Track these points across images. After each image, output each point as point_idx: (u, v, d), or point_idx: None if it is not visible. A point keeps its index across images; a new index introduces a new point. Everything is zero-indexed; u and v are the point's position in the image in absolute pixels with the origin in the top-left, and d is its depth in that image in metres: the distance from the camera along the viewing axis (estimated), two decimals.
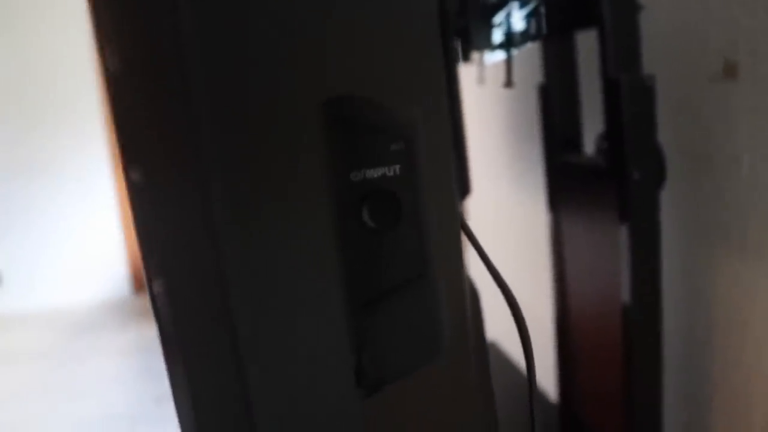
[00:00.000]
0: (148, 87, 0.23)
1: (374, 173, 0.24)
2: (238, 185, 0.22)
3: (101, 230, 3.77)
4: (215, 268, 0.22)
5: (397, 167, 0.24)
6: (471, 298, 0.54)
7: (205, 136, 0.22)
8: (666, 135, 0.82)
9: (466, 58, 0.83)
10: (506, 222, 1.58)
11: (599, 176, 0.86)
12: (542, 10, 0.57)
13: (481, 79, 1.05)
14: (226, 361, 0.23)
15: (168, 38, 0.22)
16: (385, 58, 0.24)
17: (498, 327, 1.45)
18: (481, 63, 0.99)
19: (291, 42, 0.23)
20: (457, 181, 0.61)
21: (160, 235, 0.23)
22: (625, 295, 0.82)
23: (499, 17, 0.62)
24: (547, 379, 1.19)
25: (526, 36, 0.58)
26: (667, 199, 0.87)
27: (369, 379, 0.25)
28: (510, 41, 0.59)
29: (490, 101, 1.52)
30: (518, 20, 0.58)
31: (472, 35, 0.66)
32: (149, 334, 3.17)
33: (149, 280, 0.24)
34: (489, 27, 0.65)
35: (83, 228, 3.75)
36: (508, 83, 0.66)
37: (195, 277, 0.23)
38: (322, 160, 0.23)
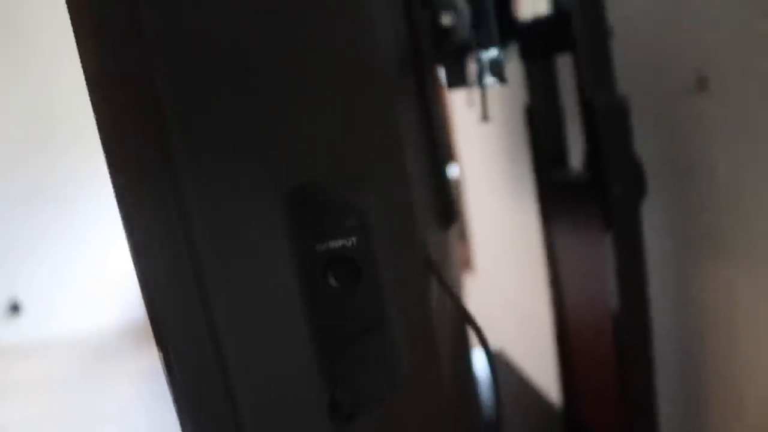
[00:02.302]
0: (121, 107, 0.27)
1: (335, 244, 0.29)
2: (220, 255, 0.28)
3: (117, 256, 3.84)
4: (205, 318, 0.27)
5: (354, 239, 0.29)
6: (456, 323, 0.59)
7: (192, 220, 0.27)
8: (647, 148, 0.86)
9: (450, 85, 0.87)
10: (506, 234, 1.62)
11: (584, 190, 0.90)
12: (502, 60, 0.62)
13: (470, 102, 1.09)
14: (220, 395, 0.28)
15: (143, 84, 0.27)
16: (340, 148, 0.29)
17: (505, 336, 1.49)
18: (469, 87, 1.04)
19: (256, 133, 0.28)
20: (441, 211, 0.66)
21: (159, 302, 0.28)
22: (613, 301, 0.86)
23: (471, 57, 0.66)
24: (550, 385, 1.23)
25: (495, 76, 0.62)
26: (653, 208, 0.91)
27: (341, 411, 0.30)
28: (481, 80, 0.63)
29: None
30: (489, 61, 0.63)
31: (447, 74, 0.71)
32: None
33: (155, 335, 0.29)
34: (463, 66, 0.69)
35: (99, 254, 3.82)
36: (485, 117, 0.70)
37: (189, 330, 0.28)
38: (287, 236, 0.28)
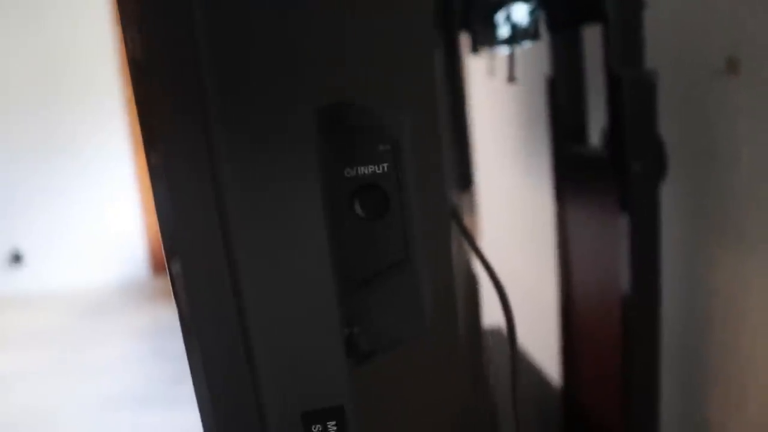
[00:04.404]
0: (166, 76, 0.26)
1: (365, 170, 0.28)
2: (245, 177, 0.26)
3: (121, 211, 3.84)
4: (226, 251, 0.26)
5: (385, 165, 0.28)
6: (469, 283, 0.57)
7: (217, 132, 0.25)
8: (669, 129, 0.84)
9: (476, 50, 0.85)
10: (515, 210, 1.61)
11: (603, 168, 0.88)
12: (539, 14, 0.60)
13: (491, 71, 1.07)
14: (235, 332, 0.27)
15: (184, 42, 0.26)
16: (375, 68, 0.28)
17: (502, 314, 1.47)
18: (491, 55, 1.02)
19: (289, 51, 0.26)
20: (459, 173, 0.64)
21: (177, 221, 0.27)
22: (624, 284, 0.85)
23: (502, 14, 0.64)
24: (551, 364, 1.22)
25: (528, 34, 0.60)
26: (669, 191, 0.89)
27: (359, 350, 0.29)
28: (513, 38, 0.61)
29: (502, 92, 1.54)
30: (522, 18, 0.61)
31: (476, 32, 0.69)
32: (167, 315, 3.24)
33: (168, 260, 0.27)
34: (492, 24, 0.67)
35: (103, 209, 3.82)
36: (511, 78, 0.68)
37: (207, 257, 0.26)
38: (317, 158, 0.27)
